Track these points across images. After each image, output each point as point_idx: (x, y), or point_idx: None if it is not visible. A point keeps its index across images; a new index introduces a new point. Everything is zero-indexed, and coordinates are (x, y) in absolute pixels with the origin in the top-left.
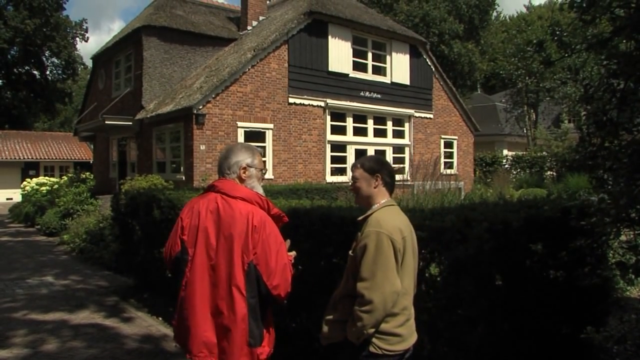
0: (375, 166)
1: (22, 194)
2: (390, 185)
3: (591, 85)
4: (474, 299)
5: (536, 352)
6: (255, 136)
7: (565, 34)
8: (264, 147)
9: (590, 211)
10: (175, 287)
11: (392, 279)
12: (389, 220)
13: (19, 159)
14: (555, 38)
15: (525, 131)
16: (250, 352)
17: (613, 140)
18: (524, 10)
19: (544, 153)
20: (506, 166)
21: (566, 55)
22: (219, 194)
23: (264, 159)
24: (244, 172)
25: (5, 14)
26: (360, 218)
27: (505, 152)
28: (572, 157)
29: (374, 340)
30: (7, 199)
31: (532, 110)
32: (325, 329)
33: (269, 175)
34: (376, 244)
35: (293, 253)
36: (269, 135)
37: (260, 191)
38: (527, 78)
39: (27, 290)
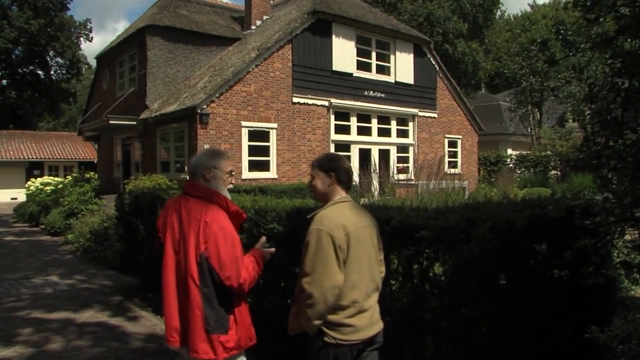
0: (330, 164)
1: (26, 194)
2: (345, 183)
3: (595, 84)
4: (478, 298)
5: (540, 352)
6: (259, 136)
7: (569, 33)
8: (268, 147)
9: (595, 210)
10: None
11: (331, 274)
12: (331, 218)
13: (24, 158)
14: (560, 37)
15: (529, 130)
16: (208, 338)
17: (617, 140)
18: (529, 9)
19: (548, 152)
20: (510, 165)
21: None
22: (187, 194)
23: (268, 158)
24: (208, 174)
25: (10, 14)
26: (309, 216)
27: (509, 151)
28: (576, 157)
29: (327, 330)
30: (12, 198)
31: (536, 110)
32: (289, 320)
33: (273, 174)
34: (316, 240)
35: (272, 250)
36: (273, 135)
37: (225, 192)
38: (531, 77)
39: (31, 289)
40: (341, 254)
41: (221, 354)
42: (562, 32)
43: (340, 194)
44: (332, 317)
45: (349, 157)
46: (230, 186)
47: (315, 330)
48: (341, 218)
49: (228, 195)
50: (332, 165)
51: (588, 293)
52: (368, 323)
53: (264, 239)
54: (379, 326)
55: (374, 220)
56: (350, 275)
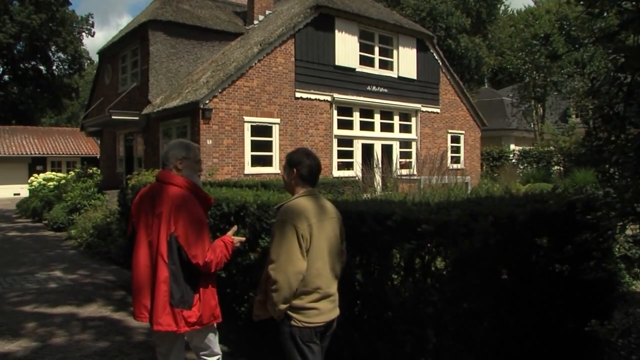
0: (294, 160)
1: (29, 189)
2: (308, 178)
3: (598, 79)
4: (480, 292)
5: (541, 345)
6: (262, 131)
7: (572, 28)
8: (270, 142)
9: (596, 205)
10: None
11: (294, 261)
12: (295, 209)
13: (26, 154)
14: (563, 32)
15: (532, 126)
16: (172, 311)
17: (619, 135)
18: (532, 4)
19: (551, 148)
20: (513, 161)
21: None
22: (159, 182)
23: (271, 153)
24: (180, 163)
25: (11, 9)
26: (275, 207)
27: (512, 146)
28: (578, 152)
29: (293, 314)
30: (15, 194)
31: (539, 105)
32: (254, 307)
33: (276, 169)
34: (280, 230)
35: (242, 238)
36: (275, 130)
37: (196, 179)
38: (534, 72)
39: (35, 284)
40: (304, 243)
41: (183, 327)
42: (565, 27)
43: (305, 187)
44: (297, 302)
45: (351, 153)
46: (202, 178)
47: (281, 314)
48: (304, 210)
49: (199, 182)
50: (295, 161)
51: (589, 287)
52: (330, 307)
53: (235, 227)
54: (337, 311)
55: (337, 213)
56: (314, 263)
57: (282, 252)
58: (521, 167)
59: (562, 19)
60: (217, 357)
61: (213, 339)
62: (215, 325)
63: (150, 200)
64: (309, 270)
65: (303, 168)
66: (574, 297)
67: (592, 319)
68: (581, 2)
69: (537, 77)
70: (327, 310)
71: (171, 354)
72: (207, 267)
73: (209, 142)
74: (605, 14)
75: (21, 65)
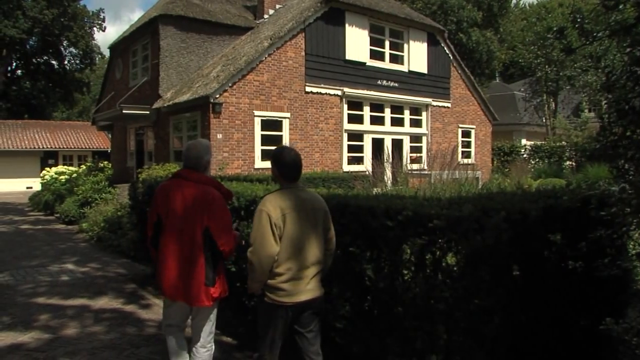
0: (275, 159)
1: (41, 183)
2: (286, 175)
3: (613, 72)
4: (491, 289)
5: (554, 343)
6: (272, 125)
7: (587, 21)
8: (280, 136)
9: (611, 201)
10: (155, 246)
11: (267, 246)
12: (272, 201)
13: (38, 148)
14: (577, 25)
15: (544, 120)
16: (206, 290)
17: (635, 130)
18: None
19: (563, 143)
20: (524, 156)
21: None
22: (187, 180)
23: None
24: (207, 164)
25: (24, 4)
26: (258, 198)
27: (523, 141)
28: (592, 147)
29: (266, 292)
30: (27, 187)
31: (551, 99)
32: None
33: None
34: (258, 218)
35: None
36: (285, 124)
37: (210, 173)
38: (546, 66)
39: (48, 277)
40: (277, 230)
41: (211, 301)
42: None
43: (286, 182)
44: (271, 282)
45: (361, 147)
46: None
47: (258, 290)
48: (280, 202)
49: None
50: (276, 160)
51: (603, 284)
52: (301, 289)
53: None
54: (314, 293)
55: (322, 205)
56: (287, 248)
57: (257, 237)
58: (532, 162)
59: (575, 12)
60: (211, 337)
61: (215, 314)
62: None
63: (180, 196)
64: (282, 255)
65: (282, 167)
66: (588, 294)
67: (605, 316)
68: None
69: (549, 71)
70: (296, 292)
71: (181, 325)
72: (230, 254)
73: (219, 136)
74: (621, 7)
75: (34, 60)
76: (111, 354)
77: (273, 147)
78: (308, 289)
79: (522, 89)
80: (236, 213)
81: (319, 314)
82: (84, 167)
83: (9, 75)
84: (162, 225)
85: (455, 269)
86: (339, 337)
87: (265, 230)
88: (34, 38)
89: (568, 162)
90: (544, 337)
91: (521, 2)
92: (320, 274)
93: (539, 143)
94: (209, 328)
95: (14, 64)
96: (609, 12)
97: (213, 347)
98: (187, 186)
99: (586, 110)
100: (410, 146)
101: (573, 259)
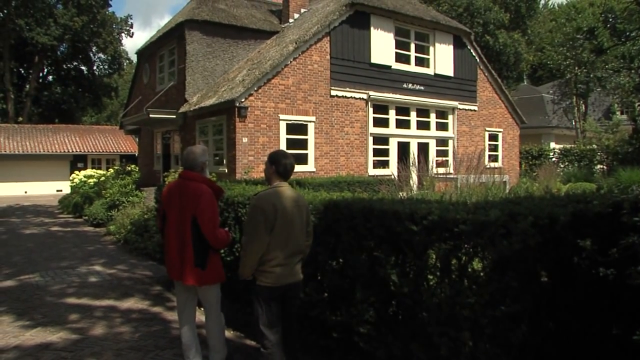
0: (274, 158)
1: (70, 186)
2: (283, 174)
3: None
4: (518, 295)
5: (583, 352)
6: (297, 129)
7: (619, 21)
8: (306, 140)
9: None
10: (163, 235)
11: (258, 237)
12: (265, 197)
13: (68, 152)
14: (608, 25)
15: (573, 123)
16: (196, 270)
17: None
18: None
19: (593, 146)
20: (553, 159)
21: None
22: (184, 179)
23: (306, 151)
24: (204, 166)
25: (55, 12)
26: (253, 194)
27: (552, 144)
28: (624, 150)
29: (258, 276)
30: (57, 190)
31: (581, 102)
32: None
33: (310, 167)
34: (252, 212)
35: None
36: (311, 128)
37: (207, 173)
38: (576, 68)
39: (76, 278)
40: (268, 224)
41: (199, 283)
42: (610, 19)
43: (278, 180)
44: (261, 267)
45: (387, 151)
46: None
47: (249, 275)
48: (272, 198)
49: (207, 174)
50: (274, 160)
51: (636, 293)
52: (286, 274)
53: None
54: (296, 278)
55: (304, 203)
56: (275, 238)
57: (251, 229)
58: (562, 165)
59: (607, 12)
60: (218, 314)
61: (217, 296)
62: (219, 285)
63: (178, 192)
64: (271, 244)
65: (279, 167)
66: (620, 303)
67: (639, 326)
68: None
69: (579, 73)
70: (282, 276)
71: (186, 304)
72: (215, 242)
73: (245, 140)
74: None
75: (64, 66)
76: (137, 355)
77: (298, 151)
78: (292, 274)
79: (550, 92)
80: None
81: (298, 296)
82: (111, 170)
83: (40, 81)
84: (167, 216)
85: (481, 274)
86: (362, 341)
87: (258, 223)
88: (64, 44)
89: (599, 166)
90: (573, 346)
91: (550, 3)
92: (300, 262)
93: (568, 146)
94: (215, 311)
95: (45, 70)
96: None
97: (226, 350)
98: (184, 184)
99: (618, 113)
100: (437, 150)
101: (604, 266)
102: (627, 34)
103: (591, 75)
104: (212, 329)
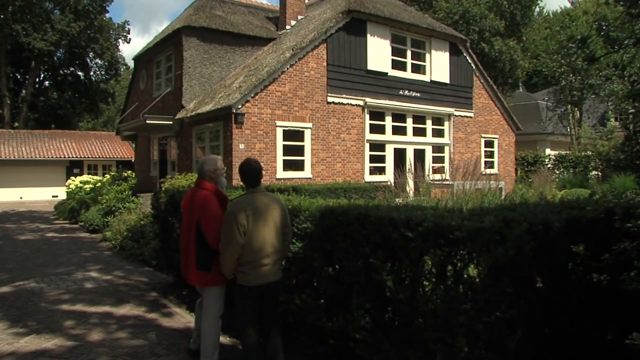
0: (239, 170)
1: (66, 192)
2: (247, 182)
3: (638, 81)
4: (513, 301)
5: (579, 357)
6: (294, 135)
7: (611, 29)
8: (302, 146)
9: (637, 212)
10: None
11: (232, 240)
12: (237, 202)
13: (64, 157)
14: (601, 33)
15: (568, 130)
16: (198, 272)
17: None
18: (568, 5)
19: (588, 152)
20: (549, 166)
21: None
22: (196, 186)
23: (303, 157)
24: (212, 174)
25: (52, 17)
26: (229, 201)
27: (547, 151)
28: (617, 157)
29: (237, 275)
30: (53, 196)
31: (576, 109)
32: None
33: (307, 174)
34: (226, 216)
35: None
36: (307, 134)
37: (223, 181)
38: (570, 75)
39: (72, 284)
40: (241, 227)
41: (203, 283)
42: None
43: (248, 187)
44: (240, 268)
45: (383, 157)
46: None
47: (230, 275)
48: (244, 203)
49: (224, 182)
50: (239, 171)
51: (630, 298)
52: (263, 274)
53: None
54: (274, 277)
55: (280, 204)
56: (250, 241)
57: (225, 233)
58: (557, 172)
59: (600, 20)
60: (214, 318)
61: (217, 298)
62: (221, 288)
63: (190, 199)
64: (247, 247)
65: (243, 176)
66: (613, 308)
67: (633, 331)
68: (621, 3)
69: (573, 80)
70: (260, 277)
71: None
72: (216, 247)
73: (242, 146)
74: None
75: (61, 71)
76: None
77: (295, 158)
78: (270, 274)
79: (546, 98)
80: None
81: (278, 295)
82: (108, 176)
83: (37, 86)
84: (182, 220)
85: (476, 280)
86: (359, 348)
87: (232, 227)
88: (61, 50)
89: (594, 172)
90: (568, 351)
91: (545, 11)
92: (279, 261)
93: (563, 153)
94: (210, 313)
95: (42, 75)
96: (634, 20)
97: (216, 357)
98: (196, 191)
99: (612, 119)
100: (433, 156)
101: (597, 272)
102: (620, 42)
103: (585, 82)
104: (205, 331)
